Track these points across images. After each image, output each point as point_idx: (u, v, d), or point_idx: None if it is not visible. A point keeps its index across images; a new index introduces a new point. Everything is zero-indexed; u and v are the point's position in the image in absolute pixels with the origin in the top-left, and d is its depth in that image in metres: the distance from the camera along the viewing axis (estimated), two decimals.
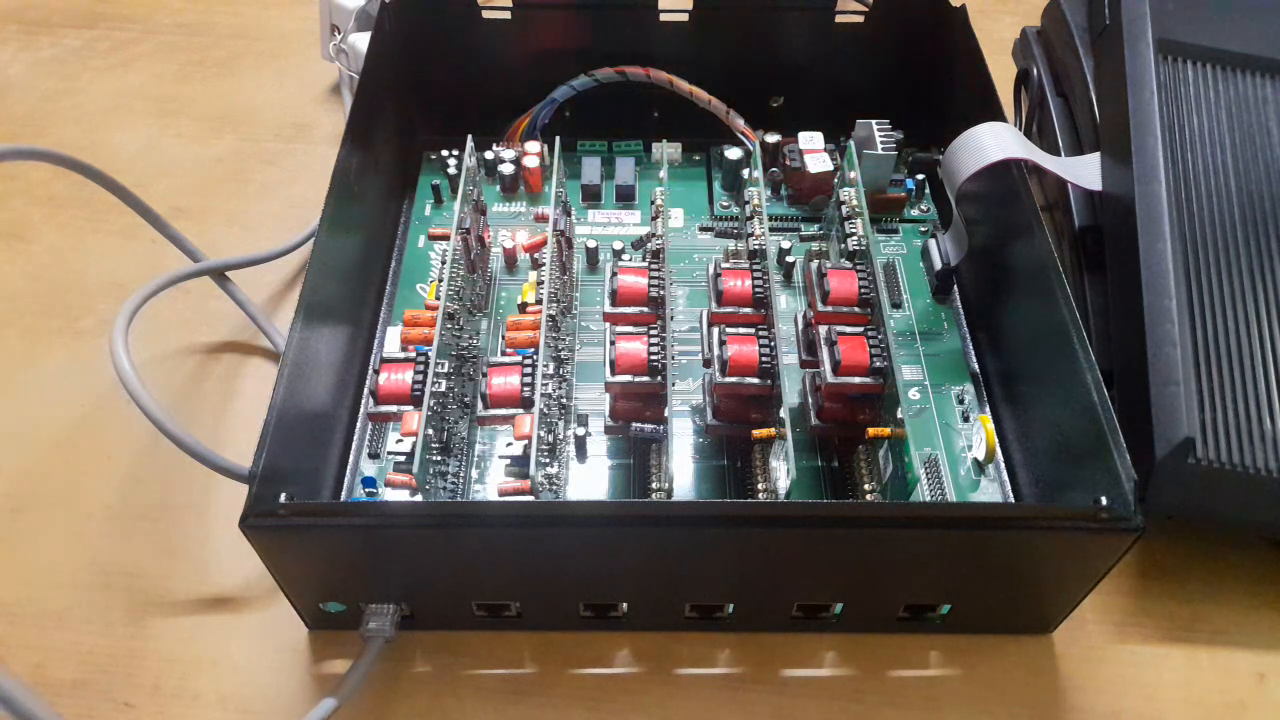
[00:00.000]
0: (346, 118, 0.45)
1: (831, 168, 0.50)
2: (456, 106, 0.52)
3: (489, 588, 0.35)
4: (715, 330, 0.39)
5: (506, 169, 0.52)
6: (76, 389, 0.45)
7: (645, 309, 0.40)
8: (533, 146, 0.51)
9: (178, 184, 0.55)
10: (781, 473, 0.35)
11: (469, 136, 0.45)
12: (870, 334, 0.39)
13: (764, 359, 0.38)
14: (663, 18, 0.50)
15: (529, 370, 0.37)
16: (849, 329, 0.39)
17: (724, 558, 0.34)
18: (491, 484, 0.41)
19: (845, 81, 0.52)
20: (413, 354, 0.38)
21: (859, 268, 0.41)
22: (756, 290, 0.40)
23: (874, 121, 0.49)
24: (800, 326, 0.42)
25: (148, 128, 0.59)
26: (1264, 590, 0.39)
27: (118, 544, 0.40)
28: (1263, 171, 0.42)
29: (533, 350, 0.38)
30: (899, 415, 0.37)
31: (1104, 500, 0.32)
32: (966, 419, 0.43)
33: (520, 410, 0.37)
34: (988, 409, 0.44)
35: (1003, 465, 0.42)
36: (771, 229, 0.50)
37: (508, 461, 0.37)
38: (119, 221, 0.52)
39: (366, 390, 0.41)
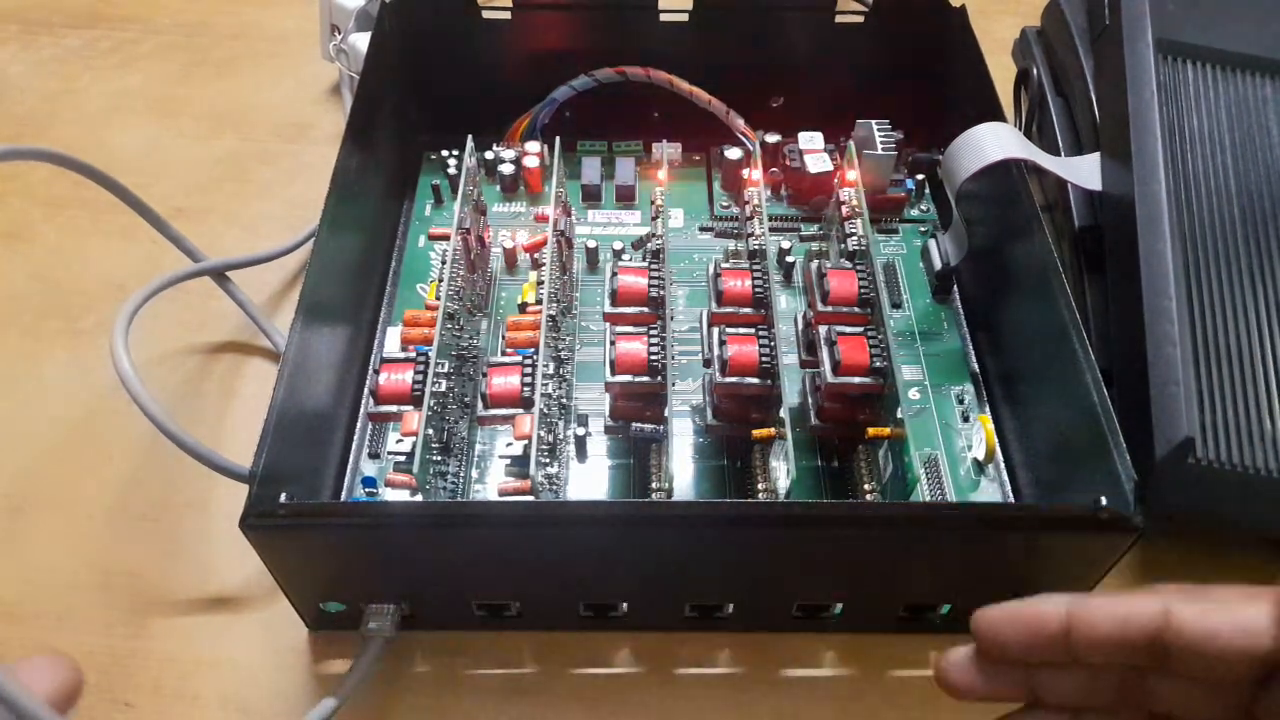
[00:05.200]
0: (346, 118, 0.45)
1: (831, 168, 0.50)
2: (456, 106, 0.52)
3: (489, 588, 0.35)
4: (715, 330, 0.39)
5: (506, 169, 0.52)
6: (76, 389, 0.45)
7: (645, 309, 0.40)
8: (533, 146, 0.52)
9: (178, 184, 0.55)
10: (781, 473, 0.35)
11: (469, 136, 0.45)
12: (870, 334, 0.39)
13: (764, 359, 0.38)
14: (663, 18, 0.50)
15: (529, 370, 0.37)
16: (849, 329, 0.39)
17: (724, 558, 0.34)
18: (491, 484, 0.41)
19: (845, 81, 0.52)
20: (413, 354, 0.38)
21: (859, 268, 0.41)
22: (756, 290, 0.40)
23: (874, 121, 0.49)
24: (800, 326, 0.42)
25: (148, 128, 0.59)
26: None
27: (118, 544, 0.40)
28: (1263, 171, 0.42)
29: (533, 350, 0.38)
30: (899, 415, 0.37)
31: (1104, 500, 0.32)
32: (966, 419, 0.43)
33: (520, 410, 0.37)
34: (988, 409, 0.44)
35: (1003, 465, 0.42)
36: (771, 229, 0.50)
37: (508, 461, 0.37)
38: (119, 221, 0.52)
39: (366, 390, 0.41)
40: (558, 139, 0.47)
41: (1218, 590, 0.26)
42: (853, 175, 0.45)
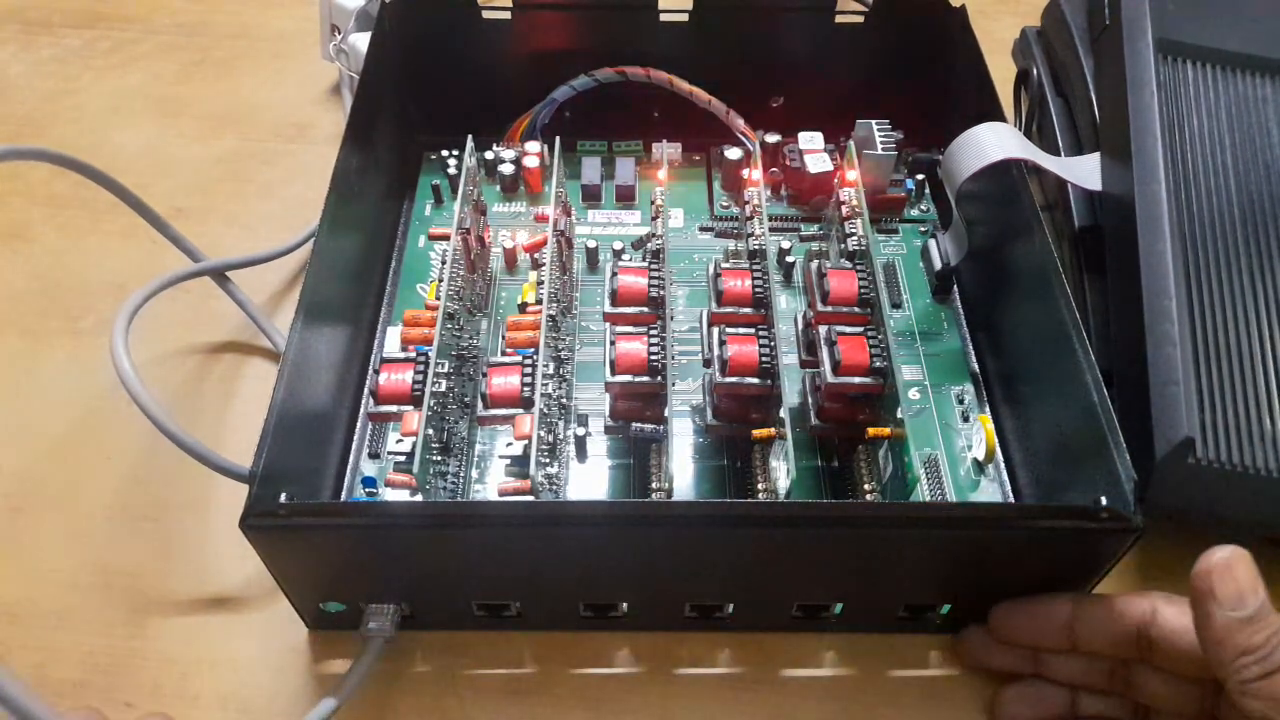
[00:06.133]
0: (346, 118, 0.45)
1: (831, 168, 0.50)
2: (456, 106, 0.52)
3: (489, 588, 0.35)
4: (715, 330, 0.39)
5: (506, 169, 0.52)
6: (76, 389, 0.45)
7: (645, 309, 0.40)
8: (533, 146, 0.52)
9: (178, 184, 0.55)
10: (781, 473, 0.35)
11: (469, 136, 0.45)
12: (870, 334, 0.39)
13: (764, 359, 0.38)
14: (663, 18, 0.50)
15: (529, 370, 0.37)
16: (849, 329, 0.39)
17: (724, 558, 0.34)
18: (491, 484, 0.41)
19: (845, 81, 0.52)
20: (413, 354, 0.38)
21: (859, 268, 0.41)
22: (756, 290, 0.40)
23: (874, 121, 0.49)
24: (800, 326, 0.42)
25: (148, 128, 0.59)
26: None
27: (118, 544, 0.40)
28: (1263, 171, 0.42)
29: (533, 350, 0.38)
30: (899, 415, 0.37)
31: (1104, 500, 0.32)
32: (966, 419, 0.43)
33: (520, 410, 0.37)
34: (988, 409, 0.44)
35: (1003, 465, 0.42)
36: (771, 229, 0.50)
37: (508, 461, 0.37)
38: (119, 221, 0.52)
39: (366, 390, 0.41)
40: (558, 139, 0.47)
41: None
42: (853, 175, 0.45)
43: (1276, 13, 0.47)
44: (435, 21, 0.50)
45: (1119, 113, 0.44)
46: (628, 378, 0.38)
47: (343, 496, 0.40)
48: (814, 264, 0.42)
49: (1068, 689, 0.35)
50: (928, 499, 0.40)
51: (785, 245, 0.49)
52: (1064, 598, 0.34)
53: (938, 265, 0.48)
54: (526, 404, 0.37)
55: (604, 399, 0.40)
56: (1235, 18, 0.46)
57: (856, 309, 0.40)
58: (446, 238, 0.42)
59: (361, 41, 0.56)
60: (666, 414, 0.37)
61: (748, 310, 0.40)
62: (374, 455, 0.42)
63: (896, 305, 0.48)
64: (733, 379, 0.38)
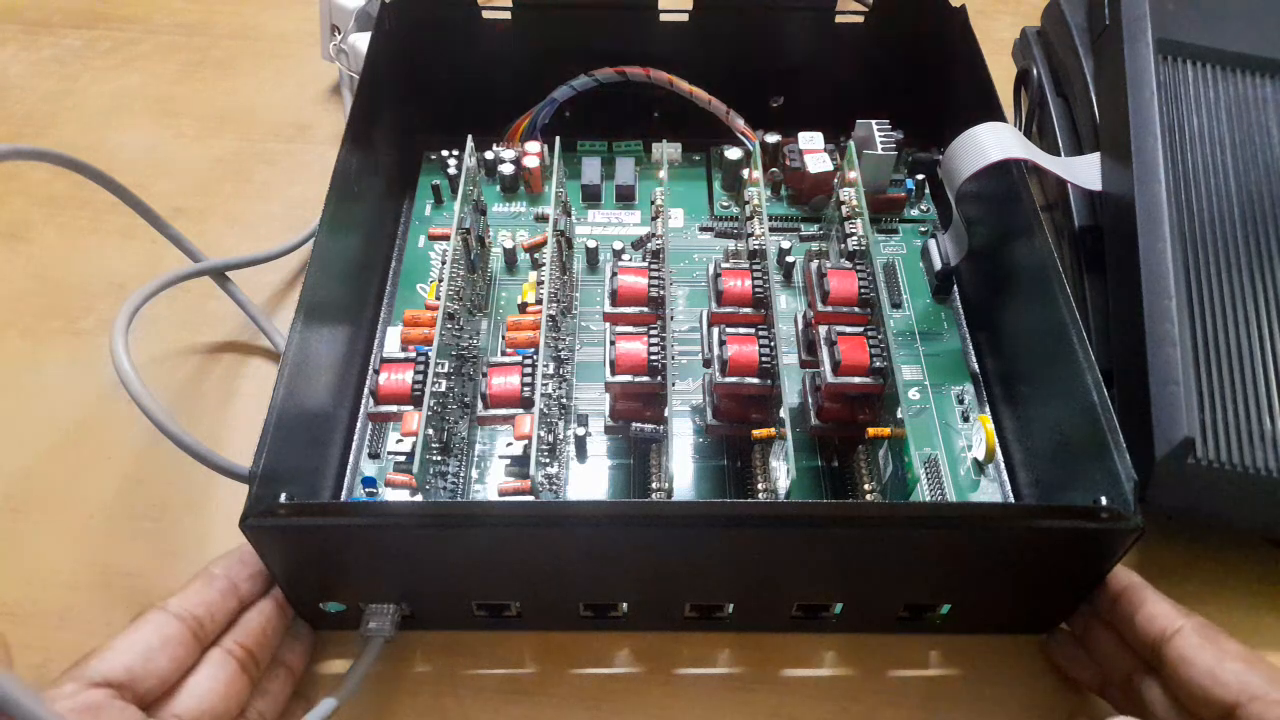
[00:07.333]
0: (346, 118, 0.45)
1: (831, 168, 0.50)
2: (456, 106, 0.52)
3: (489, 588, 0.35)
4: (715, 330, 0.39)
5: (506, 169, 0.52)
6: (76, 389, 0.45)
7: (645, 309, 0.40)
8: (533, 146, 0.52)
9: (178, 184, 0.55)
10: (781, 473, 0.35)
11: (469, 136, 0.45)
12: (870, 334, 0.39)
13: (764, 359, 0.38)
14: (663, 18, 0.50)
15: (529, 370, 0.37)
16: (849, 329, 0.39)
17: (724, 558, 0.34)
18: (491, 484, 0.41)
19: (845, 81, 0.52)
20: (413, 354, 0.38)
21: (859, 268, 0.41)
22: (756, 290, 0.40)
23: (874, 121, 0.49)
24: (800, 326, 0.42)
25: (148, 128, 0.59)
26: (1264, 590, 0.39)
27: (118, 544, 0.40)
28: (1263, 171, 0.42)
29: (533, 350, 0.38)
30: (899, 415, 0.37)
31: (1104, 500, 0.32)
32: (966, 419, 0.43)
33: (520, 410, 0.37)
34: (988, 409, 0.44)
35: (1003, 465, 0.42)
36: (771, 229, 0.50)
37: (508, 461, 0.37)
38: (119, 221, 0.52)
39: (366, 390, 0.41)
40: (558, 139, 0.47)
41: None
42: (853, 175, 0.45)
43: (1276, 13, 0.47)
44: (435, 21, 0.50)
45: (1119, 113, 0.44)
46: (628, 378, 0.38)
47: (343, 496, 0.40)
48: (814, 264, 0.42)
49: None
50: (928, 499, 0.40)
51: (785, 245, 0.49)
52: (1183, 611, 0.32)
53: (938, 265, 0.48)
54: (526, 404, 0.37)
55: (604, 399, 0.40)
56: (1235, 18, 0.46)
57: (856, 309, 0.40)
58: (446, 238, 0.42)
59: (361, 41, 0.56)
60: (666, 414, 0.37)
61: (748, 310, 0.40)
62: (374, 455, 0.42)
63: (896, 305, 0.48)
64: (733, 379, 0.38)
